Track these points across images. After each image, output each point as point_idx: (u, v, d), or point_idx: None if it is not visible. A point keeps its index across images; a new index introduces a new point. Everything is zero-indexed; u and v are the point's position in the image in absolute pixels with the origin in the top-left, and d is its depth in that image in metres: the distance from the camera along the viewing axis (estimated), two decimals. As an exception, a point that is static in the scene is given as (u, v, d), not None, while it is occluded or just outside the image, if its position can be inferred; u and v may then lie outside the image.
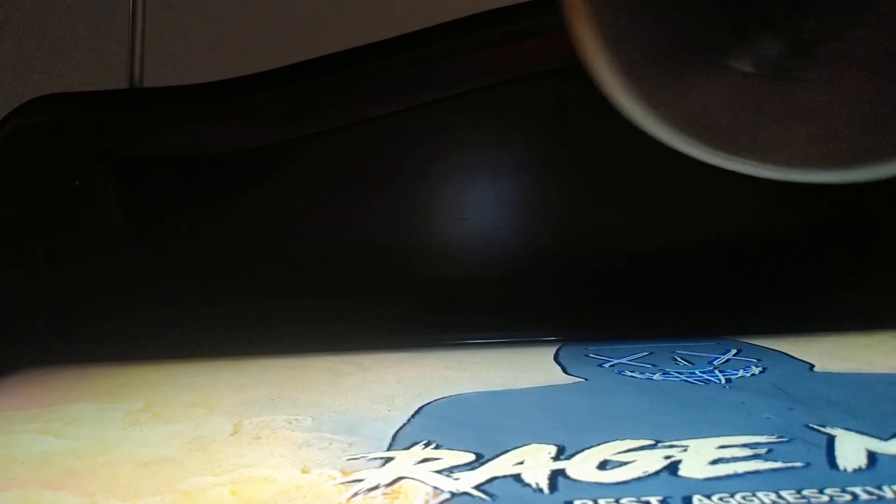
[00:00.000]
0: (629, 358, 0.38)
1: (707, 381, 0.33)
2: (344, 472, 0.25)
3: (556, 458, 0.25)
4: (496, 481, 0.24)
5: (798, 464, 0.24)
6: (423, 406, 0.31)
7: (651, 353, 0.39)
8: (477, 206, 0.45)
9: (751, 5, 0.27)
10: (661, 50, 0.27)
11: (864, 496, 0.21)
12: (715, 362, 0.36)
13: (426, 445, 0.27)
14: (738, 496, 0.22)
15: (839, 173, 0.28)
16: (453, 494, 0.23)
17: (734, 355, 0.38)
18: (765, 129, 0.28)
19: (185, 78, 0.43)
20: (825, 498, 0.21)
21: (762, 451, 0.25)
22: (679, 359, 0.37)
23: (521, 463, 0.25)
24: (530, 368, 0.37)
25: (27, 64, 0.46)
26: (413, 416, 0.30)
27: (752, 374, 0.34)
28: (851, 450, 0.24)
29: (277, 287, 0.44)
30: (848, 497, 0.21)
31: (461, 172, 0.45)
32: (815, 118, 0.28)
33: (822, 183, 0.28)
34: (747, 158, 0.28)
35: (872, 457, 0.24)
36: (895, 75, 0.27)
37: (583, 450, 0.25)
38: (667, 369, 0.36)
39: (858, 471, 0.23)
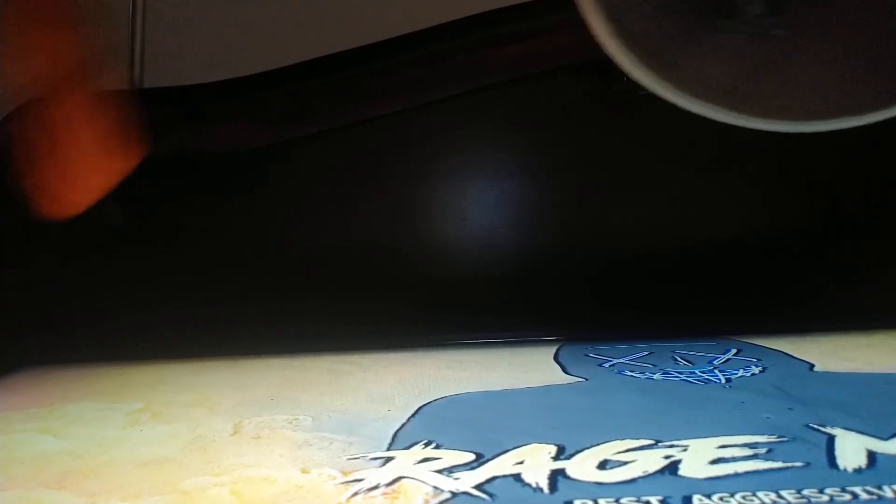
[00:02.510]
0: (629, 358, 0.38)
1: (707, 381, 0.33)
2: (344, 472, 0.25)
3: (556, 458, 0.25)
4: (496, 481, 0.24)
5: (798, 463, 0.24)
6: (423, 406, 0.31)
7: (651, 353, 0.39)
8: (477, 207, 0.45)
9: None
10: (664, 23, 0.30)
11: (863, 496, 0.21)
12: (715, 362, 0.36)
13: (426, 445, 0.27)
14: (738, 496, 0.22)
15: (800, 124, 0.30)
16: (453, 494, 0.23)
17: (734, 355, 0.38)
18: (743, 83, 0.30)
19: (185, 78, 0.43)
20: (825, 497, 0.21)
21: (762, 450, 0.25)
22: (679, 358, 0.37)
23: (521, 462, 0.25)
24: (530, 368, 0.37)
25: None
26: (413, 415, 0.30)
27: (753, 374, 0.34)
28: (851, 449, 0.24)
29: (278, 287, 0.44)
30: (848, 496, 0.21)
31: (461, 172, 0.45)
32: (787, 74, 0.30)
33: (785, 132, 0.30)
34: (728, 110, 0.30)
35: (872, 456, 0.24)
36: (866, 40, 0.29)
37: (583, 449, 0.25)
38: (667, 369, 0.36)
39: (858, 470, 0.23)
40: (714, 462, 0.24)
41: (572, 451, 0.25)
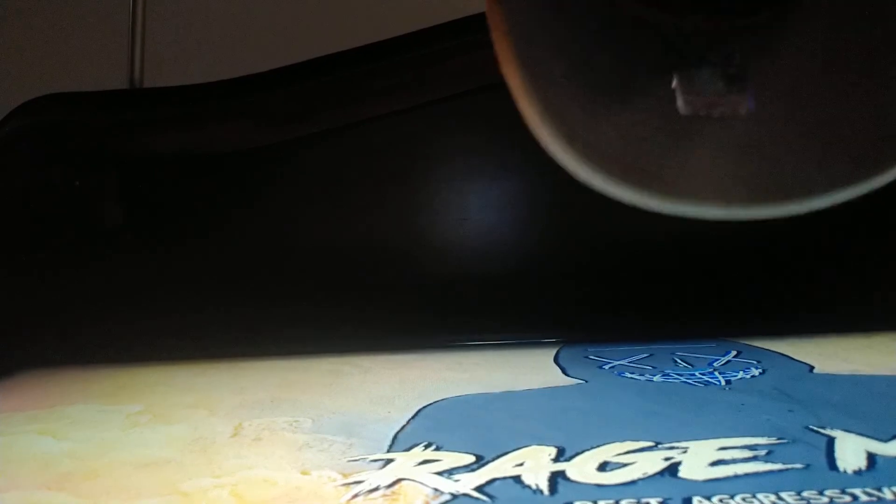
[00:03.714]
0: (629, 359, 0.38)
1: (707, 383, 0.33)
2: (344, 474, 0.25)
3: (556, 460, 0.25)
4: (496, 483, 0.24)
5: (798, 465, 0.24)
6: (424, 407, 0.31)
7: (651, 355, 0.39)
8: (477, 207, 0.45)
9: (677, 45, 0.28)
10: (596, 100, 0.28)
11: (863, 498, 0.21)
12: (715, 364, 0.36)
13: (426, 447, 0.27)
14: (737, 498, 0.22)
15: (772, 208, 0.28)
16: (453, 496, 0.23)
17: (734, 357, 0.38)
18: (695, 169, 0.28)
19: (185, 78, 0.43)
20: (825, 499, 0.21)
21: (762, 452, 0.25)
22: (679, 360, 0.37)
23: (521, 464, 0.25)
24: (530, 370, 0.37)
25: (27, 64, 0.46)
26: (413, 417, 0.30)
27: (752, 376, 0.34)
28: (851, 451, 0.24)
29: (278, 288, 0.44)
30: (848, 498, 0.21)
31: (462, 173, 0.45)
32: (746, 155, 0.28)
33: (757, 219, 0.28)
34: (681, 200, 0.28)
35: (872, 458, 0.24)
36: (820, 105, 0.27)
37: (583, 451, 0.25)
38: (667, 371, 0.36)
39: (858, 472, 0.23)
40: (714, 464, 0.24)
41: (572, 453, 0.25)
